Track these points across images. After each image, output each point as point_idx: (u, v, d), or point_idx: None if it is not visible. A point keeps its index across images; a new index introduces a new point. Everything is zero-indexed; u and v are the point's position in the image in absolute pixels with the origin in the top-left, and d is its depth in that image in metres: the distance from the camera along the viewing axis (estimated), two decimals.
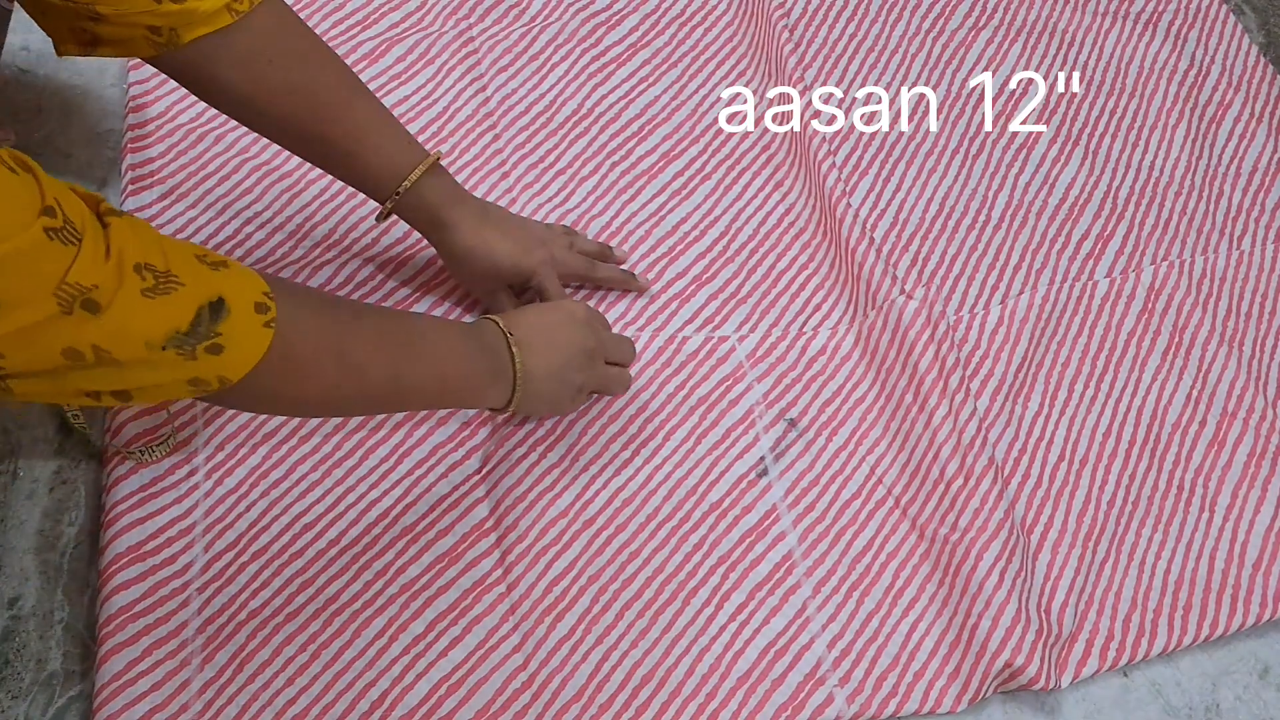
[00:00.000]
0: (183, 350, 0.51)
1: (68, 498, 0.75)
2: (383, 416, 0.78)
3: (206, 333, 0.52)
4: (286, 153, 0.87)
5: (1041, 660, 0.73)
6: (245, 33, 0.66)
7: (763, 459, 0.81)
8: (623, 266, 0.87)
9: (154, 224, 0.84)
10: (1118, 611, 0.78)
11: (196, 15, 0.64)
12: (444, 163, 0.82)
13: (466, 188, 0.88)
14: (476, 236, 0.77)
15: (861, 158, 0.97)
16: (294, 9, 0.71)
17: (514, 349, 0.71)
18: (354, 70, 0.73)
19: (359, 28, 0.96)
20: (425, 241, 0.86)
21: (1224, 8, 1.10)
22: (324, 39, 0.73)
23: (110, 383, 0.50)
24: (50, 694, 0.69)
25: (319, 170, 0.87)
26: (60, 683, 0.69)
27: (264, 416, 0.77)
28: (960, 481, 0.78)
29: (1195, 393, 0.89)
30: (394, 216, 0.77)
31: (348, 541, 0.74)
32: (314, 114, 0.71)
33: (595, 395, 0.80)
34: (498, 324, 0.71)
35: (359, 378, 0.62)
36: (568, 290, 0.85)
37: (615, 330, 0.84)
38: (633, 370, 0.83)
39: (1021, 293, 0.91)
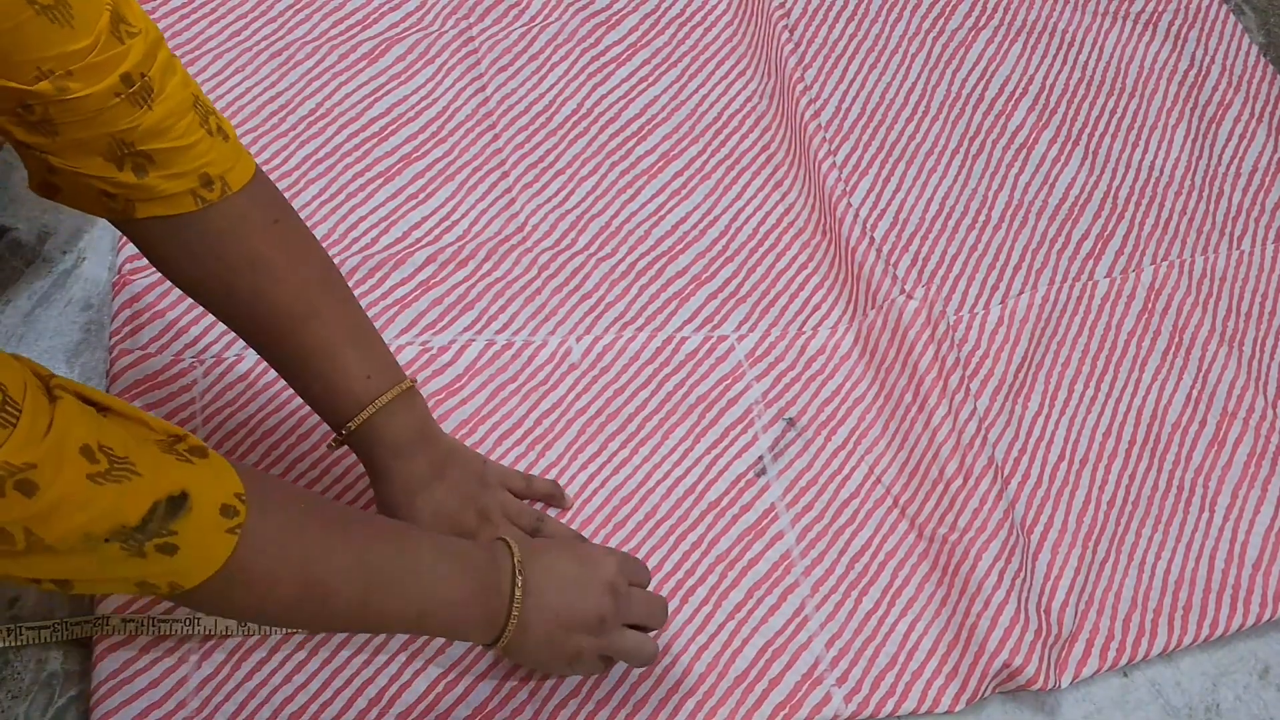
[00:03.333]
0: (129, 546, 0.46)
1: None
2: None
3: (159, 530, 0.47)
4: (286, 153, 0.88)
5: (1041, 660, 0.73)
6: (197, 225, 0.60)
7: (761, 458, 0.81)
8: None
9: None
10: (1118, 611, 0.78)
11: (155, 193, 0.58)
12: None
13: (465, 188, 0.89)
14: (407, 499, 0.69)
15: (861, 158, 0.97)
16: (278, 194, 0.65)
17: (517, 592, 0.62)
18: (327, 257, 0.67)
19: (359, 27, 0.96)
20: (424, 244, 0.86)
21: (1224, 8, 1.10)
22: (304, 218, 0.67)
23: (46, 570, 0.46)
24: (50, 694, 0.69)
25: (319, 170, 0.88)
26: (60, 683, 0.69)
27: (263, 413, 0.77)
28: (959, 481, 0.78)
29: (1195, 393, 0.88)
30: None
31: None
32: (262, 324, 0.65)
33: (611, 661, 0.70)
34: (512, 556, 0.63)
35: (323, 600, 0.56)
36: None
37: (615, 329, 0.85)
38: (630, 372, 0.83)
39: (1021, 293, 0.91)
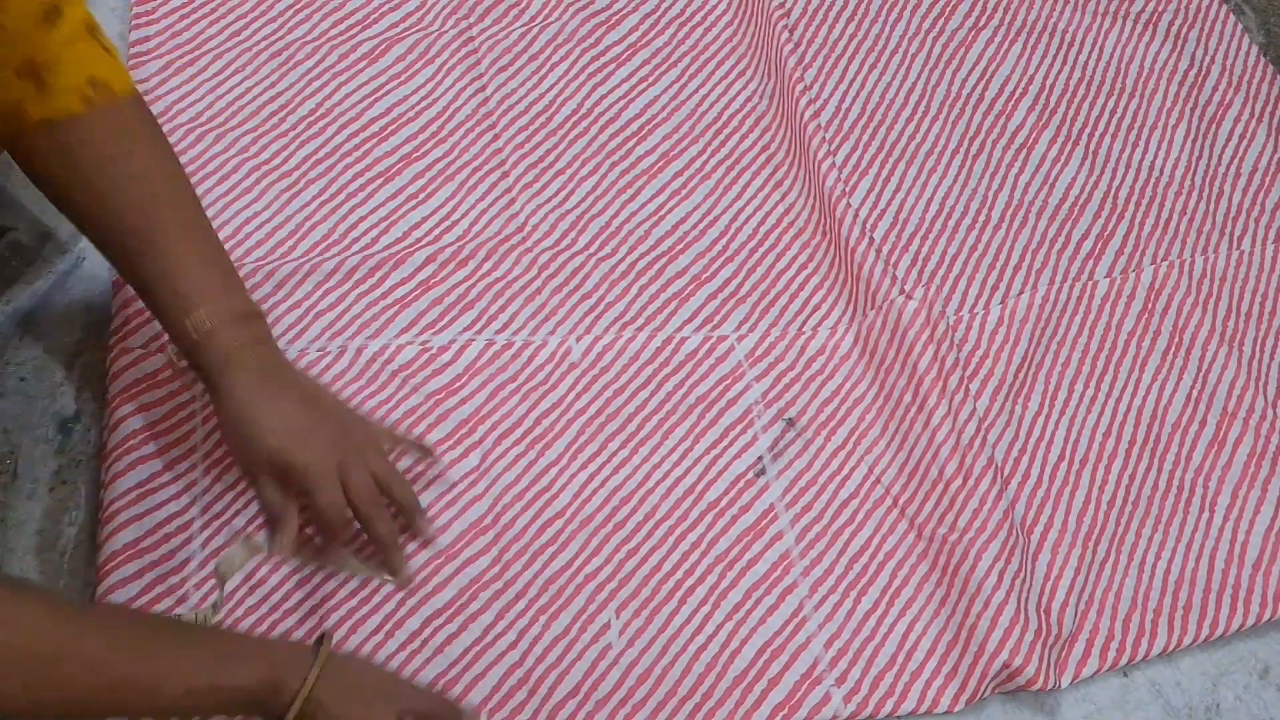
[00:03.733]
0: None
1: (68, 498, 0.74)
2: None
3: None
4: (287, 153, 0.88)
5: (1040, 660, 0.73)
6: (82, 132, 0.65)
7: (761, 458, 0.81)
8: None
9: None
10: (1118, 611, 0.78)
11: (51, 104, 0.63)
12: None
13: (465, 188, 0.89)
14: (247, 408, 0.66)
15: (861, 158, 0.97)
16: (150, 113, 0.69)
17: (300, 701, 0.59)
18: (186, 177, 0.70)
19: (359, 27, 0.96)
20: (424, 244, 0.86)
21: (1224, 8, 1.10)
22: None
23: None
24: None
25: (319, 170, 0.88)
26: None
27: None
28: (959, 482, 0.78)
29: (1195, 393, 0.88)
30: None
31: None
32: (117, 238, 0.67)
33: None
34: (313, 661, 0.60)
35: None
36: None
37: (615, 329, 0.85)
38: (630, 372, 0.83)
39: (1021, 293, 0.91)
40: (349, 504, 0.69)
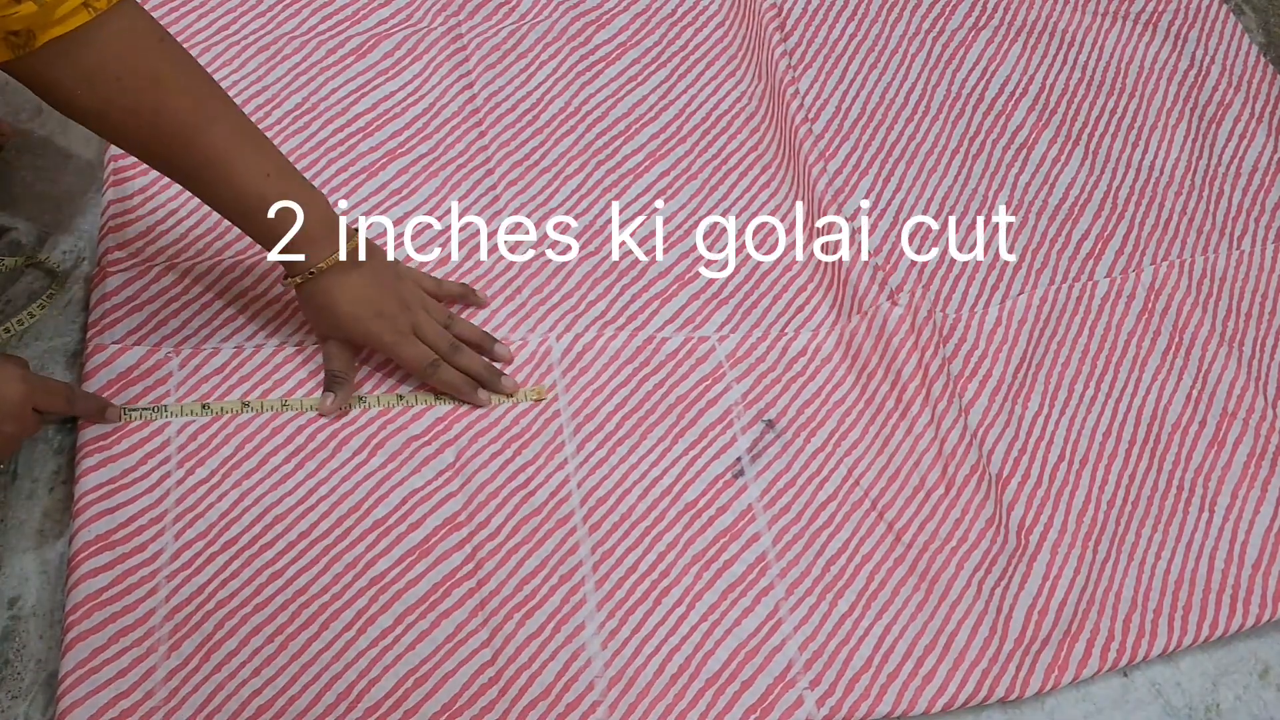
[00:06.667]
0: None
1: (68, 498, 0.74)
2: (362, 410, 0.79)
3: None
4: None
5: (1016, 670, 0.73)
6: (93, 48, 0.63)
7: (739, 460, 0.80)
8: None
9: (135, 215, 0.84)
10: (1118, 612, 0.78)
11: (52, 17, 0.61)
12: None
13: (449, 184, 0.89)
14: (324, 285, 0.75)
15: (861, 158, 0.96)
16: (152, 17, 0.67)
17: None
18: (205, 70, 0.70)
19: (348, 23, 0.96)
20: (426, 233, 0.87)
21: (1224, 8, 1.09)
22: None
23: None
24: (50, 694, 0.69)
25: (303, 165, 0.88)
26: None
27: (242, 420, 0.77)
28: (941, 491, 0.78)
29: (1195, 393, 0.87)
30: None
31: (318, 534, 0.74)
32: (164, 139, 0.68)
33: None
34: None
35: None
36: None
37: (596, 328, 0.84)
38: (609, 371, 0.82)
39: (1021, 293, 0.90)
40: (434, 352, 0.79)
